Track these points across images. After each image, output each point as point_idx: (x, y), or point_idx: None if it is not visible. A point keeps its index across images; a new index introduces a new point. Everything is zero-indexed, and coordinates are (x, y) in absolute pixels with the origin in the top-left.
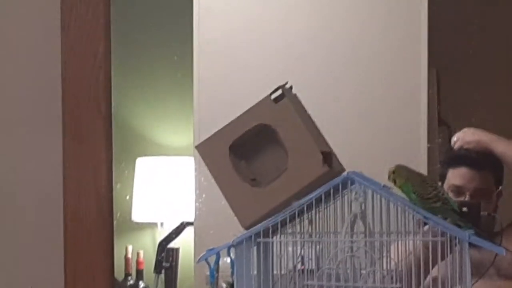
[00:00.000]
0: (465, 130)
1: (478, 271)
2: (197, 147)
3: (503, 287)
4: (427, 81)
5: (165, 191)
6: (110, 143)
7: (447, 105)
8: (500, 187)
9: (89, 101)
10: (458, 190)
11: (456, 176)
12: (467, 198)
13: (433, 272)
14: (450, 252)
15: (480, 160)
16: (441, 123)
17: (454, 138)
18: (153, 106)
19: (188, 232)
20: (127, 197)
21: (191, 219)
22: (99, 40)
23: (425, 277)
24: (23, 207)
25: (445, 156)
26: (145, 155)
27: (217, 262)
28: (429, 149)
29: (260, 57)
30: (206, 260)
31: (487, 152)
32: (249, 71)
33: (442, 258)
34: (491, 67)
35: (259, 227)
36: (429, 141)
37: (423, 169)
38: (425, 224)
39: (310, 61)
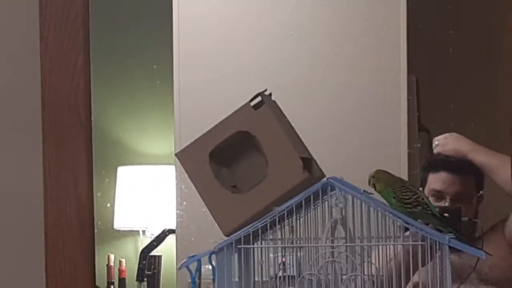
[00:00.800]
0: (447, 135)
1: (460, 276)
2: (177, 154)
3: None
4: (407, 88)
5: (146, 199)
6: (90, 151)
7: (426, 111)
8: (481, 192)
9: (69, 110)
10: (439, 195)
11: (436, 180)
12: (447, 202)
13: (415, 277)
14: (431, 258)
15: (461, 165)
16: (421, 128)
17: (435, 142)
18: (133, 115)
19: (170, 240)
20: (108, 205)
21: (173, 227)
22: (78, 50)
23: (406, 283)
24: (3, 216)
25: (425, 161)
26: (126, 164)
27: (198, 269)
28: (409, 154)
29: (240, 65)
30: (187, 267)
31: (466, 160)
32: (229, 78)
33: (423, 263)
34: (469, 74)
35: (240, 233)
36: (409, 146)
37: (403, 174)
38: (406, 229)
39: (290, 69)
